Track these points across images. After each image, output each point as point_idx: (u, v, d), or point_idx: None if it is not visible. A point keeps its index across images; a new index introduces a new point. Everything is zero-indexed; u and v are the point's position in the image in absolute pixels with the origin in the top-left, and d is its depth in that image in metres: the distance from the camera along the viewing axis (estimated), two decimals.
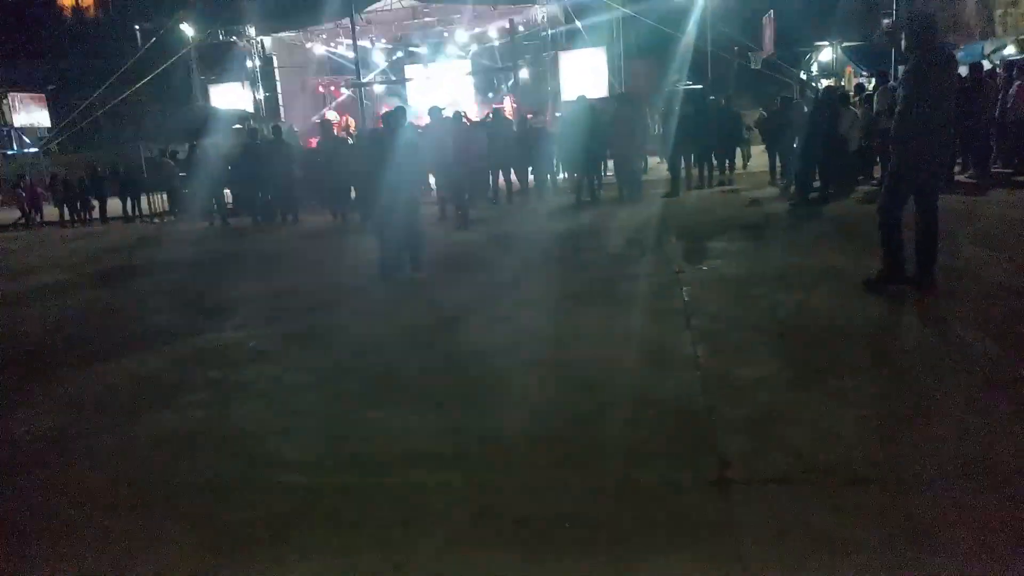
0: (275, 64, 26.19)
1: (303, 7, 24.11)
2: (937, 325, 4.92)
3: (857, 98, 13.03)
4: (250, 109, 24.68)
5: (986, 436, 3.29)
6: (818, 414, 3.66)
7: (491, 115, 15.88)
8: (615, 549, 2.74)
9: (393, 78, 27.46)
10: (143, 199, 18.70)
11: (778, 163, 13.62)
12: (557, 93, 22.61)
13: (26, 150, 31.01)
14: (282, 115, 25.28)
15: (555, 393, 4.30)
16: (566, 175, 15.81)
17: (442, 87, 24.64)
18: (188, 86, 27.89)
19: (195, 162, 15.76)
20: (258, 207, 15.12)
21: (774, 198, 11.86)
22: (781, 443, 3.39)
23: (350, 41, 22.88)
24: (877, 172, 12.33)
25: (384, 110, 14.87)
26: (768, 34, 28.02)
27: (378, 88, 27.11)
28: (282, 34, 26.24)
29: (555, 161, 15.46)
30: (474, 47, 27.20)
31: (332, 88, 27.87)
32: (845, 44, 29.17)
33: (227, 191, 16.37)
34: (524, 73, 25.83)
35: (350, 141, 15.46)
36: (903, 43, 5.43)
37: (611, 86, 22.23)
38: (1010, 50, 18.81)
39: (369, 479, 3.46)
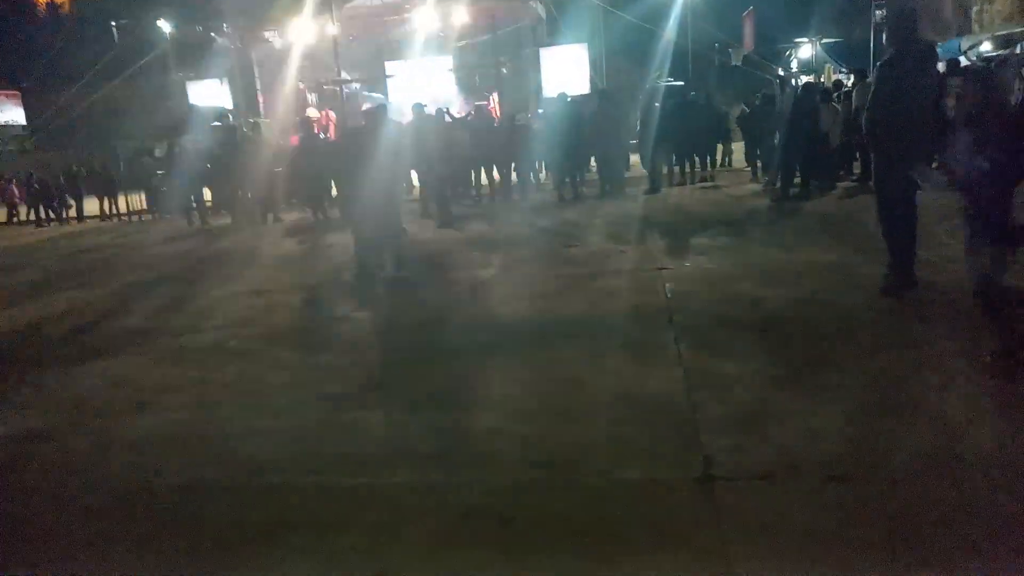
0: (254, 60, 25.94)
1: (282, 3, 23.89)
2: (919, 321, 4.95)
3: (837, 94, 13.10)
4: (229, 106, 24.44)
5: (969, 431, 3.32)
6: (801, 410, 3.67)
7: (473, 112, 15.83)
8: (600, 547, 2.73)
9: (373, 75, 27.29)
10: (120, 198, 18.45)
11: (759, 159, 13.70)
12: (539, 90, 22.57)
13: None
14: (261, 112, 25.06)
15: (538, 391, 4.29)
16: (547, 173, 15.80)
17: (423, 84, 24.51)
18: (165, 83, 27.55)
19: (173, 160, 15.58)
20: (237, 205, 14.97)
21: (756, 194, 11.92)
22: (764, 439, 3.40)
23: (330, 37, 22.73)
24: (857, 168, 12.42)
25: (365, 107, 14.78)
26: (748, 30, 28.20)
27: (358, 85, 26.94)
28: (261, 30, 26.00)
29: (538, 159, 15.43)
30: (455, 44, 27.09)
31: (312, 85, 27.66)
32: (824, 40, 29.40)
33: (206, 189, 16.20)
34: (505, 70, 25.77)
35: (322, 136, 15.33)
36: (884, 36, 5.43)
37: (593, 83, 22.24)
38: (986, 46, 19.04)
39: (352, 480, 3.43)
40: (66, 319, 7.46)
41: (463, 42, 26.34)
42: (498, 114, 19.91)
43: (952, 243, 6.71)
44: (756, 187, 12.71)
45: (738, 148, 15.48)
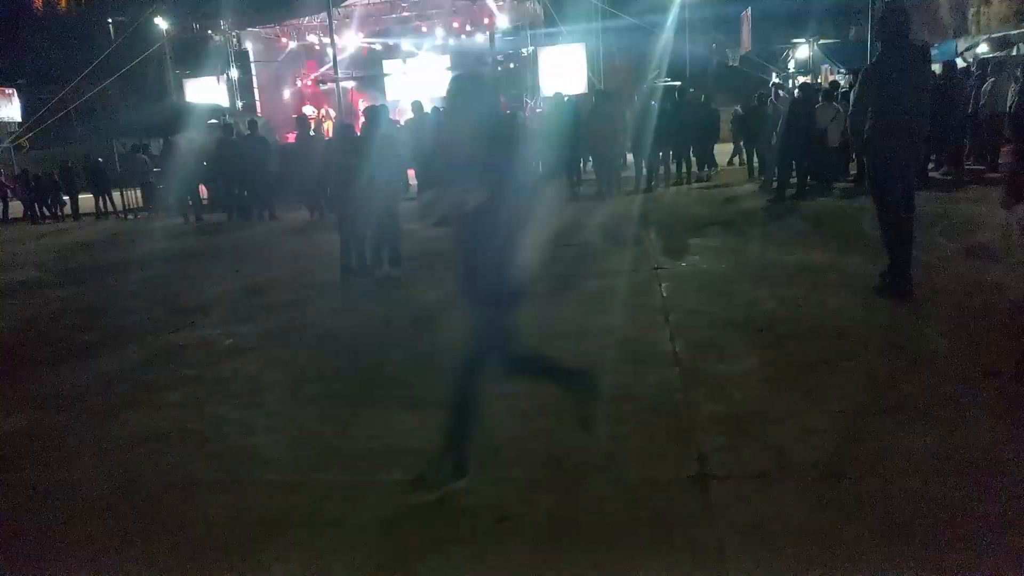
0: (251, 58, 25.89)
1: (279, 1, 23.87)
2: (913, 321, 4.97)
3: (835, 94, 13.11)
4: (225, 104, 24.37)
5: (962, 431, 3.33)
6: (796, 410, 3.68)
7: None
8: (597, 545, 2.73)
9: (371, 73, 27.28)
10: (116, 195, 18.41)
11: (755, 160, 13.72)
12: (536, 89, 22.57)
13: None
14: (258, 110, 25.01)
15: (533, 390, 4.28)
16: (543, 171, 15.78)
17: (421, 82, 24.51)
18: (162, 80, 27.48)
19: (169, 157, 15.55)
20: (233, 203, 14.96)
21: (752, 194, 11.93)
22: (759, 439, 3.41)
23: (327, 35, 22.71)
24: (854, 168, 12.44)
25: (363, 106, 14.76)
26: (745, 31, 28.22)
27: (354, 83, 26.93)
28: (258, 28, 25.97)
29: (536, 158, 15.43)
30: (452, 42, 27.09)
31: (309, 83, 27.65)
32: (821, 41, 29.42)
33: (202, 187, 16.17)
34: (503, 69, 25.78)
35: (312, 134, 15.30)
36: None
37: (590, 82, 22.24)
38: (983, 48, 19.08)
39: (349, 477, 3.43)
40: (60, 316, 7.44)
41: (460, 40, 26.34)
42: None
43: (947, 244, 6.74)
44: (752, 187, 12.73)
45: (722, 149, 15.46)
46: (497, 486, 3.22)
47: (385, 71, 26.74)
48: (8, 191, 20.61)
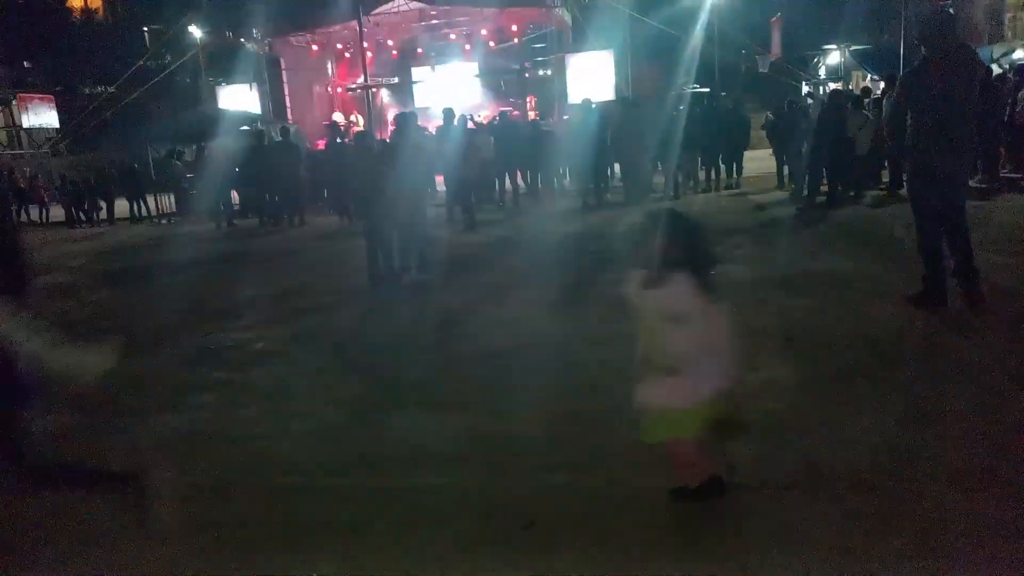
0: (282, 66, 26.20)
1: (310, 9, 24.14)
2: (946, 331, 4.88)
3: (867, 101, 12.97)
4: (257, 111, 24.71)
5: (994, 443, 3.26)
6: (826, 419, 3.64)
7: (497, 118, 15.88)
8: (621, 553, 2.72)
9: (400, 80, 27.48)
10: (150, 200, 18.74)
11: (786, 167, 13.60)
12: (564, 96, 22.57)
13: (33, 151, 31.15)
14: (289, 117, 25.32)
15: (560, 396, 4.28)
16: (570, 179, 15.80)
17: (450, 89, 24.64)
18: (195, 88, 27.98)
19: (202, 163, 15.79)
20: (265, 209, 15.14)
21: (782, 202, 11.82)
22: (788, 448, 3.37)
23: (357, 43, 22.91)
24: (885, 176, 12.28)
25: (392, 113, 14.89)
26: (775, 37, 28.02)
27: (385, 91, 27.14)
28: (289, 36, 26.30)
29: (562, 165, 15.45)
30: (481, 49, 27.20)
31: (339, 90, 27.92)
32: (853, 47, 29.10)
33: (234, 192, 16.39)
34: (532, 76, 25.82)
35: (341, 140, 15.45)
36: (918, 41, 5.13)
37: (618, 89, 22.20)
38: (1019, 54, 18.76)
39: (375, 481, 3.45)
40: (95, 319, 7.58)
41: (489, 48, 26.44)
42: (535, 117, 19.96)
43: (984, 254, 6.61)
44: (782, 195, 12.61)
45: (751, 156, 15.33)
46: (524, 492, 3.22)
47: (414, 78, 26.92)
48: (45, 196, 21.05)
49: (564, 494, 3.18)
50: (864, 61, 27.63)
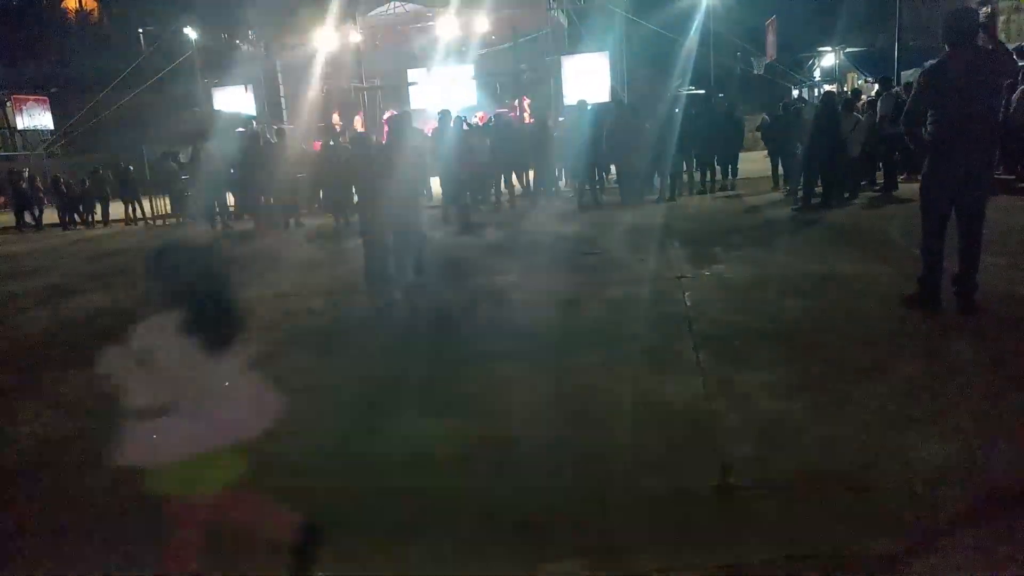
0: (278, 68, 26.22)
1: (306, 11, 24.15)
2: (940, 332, 4.91)
3: (861, 103, 13.02)
4: (253, 112, 24.70)
5: (989, 443, 3.29)
6: (821, 420, 3.66)
7: (493, 119, 15.91)
8: (619, 553, 2.74)
9: (395, 83, 27.49)
10: (145, 202, 18.72)
11: (780, 169, 13.66)
12: (559, 97, 22.62)
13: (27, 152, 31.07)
14: (285, 118, 25.33)
15: (558, 397, 4.30)
16: (567, 180, 15.84)
17: (445, 91, 24.66)
18: (191, 89, 27.92)
19: (197, 165, 15.77)
20: (260, 210, 15.13)
21: (777, 203, 11.86)
22: (784, 449, 3.39)
23: (353, 45, 22.94)
24: (880, 178, 12.34)
25: (388, 115, 14.90)
26: (771, 39, 28.11)
27: (381, 92, 27.15)
28: (285, 38, 26.31)
29: (558, 166, 15.49)
30: (477, 51, 27.23)
31: (335, 92, 27.92)
32: (848, 50, 29.20)
33: (229, 194, 16.38)
34: (527, 77, 25.86)
35: (334, 143, 15.48)
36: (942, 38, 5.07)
37: (613, 91, 22.25)
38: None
39: (374, 483, 3.46)
40: (92, 321, 7.57)
41: (485, 50, 26.47)
42: (530, 119, 19.97)
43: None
44: (777, 196, 12.66)
45: (746, 157, 15.39)
46: (520, 493, 3.23)
47: (410, 80, 26.95)
48: (45, 199, 20.99)
49: (563, 495, 3.19)
50: (858, 63, 27.73)
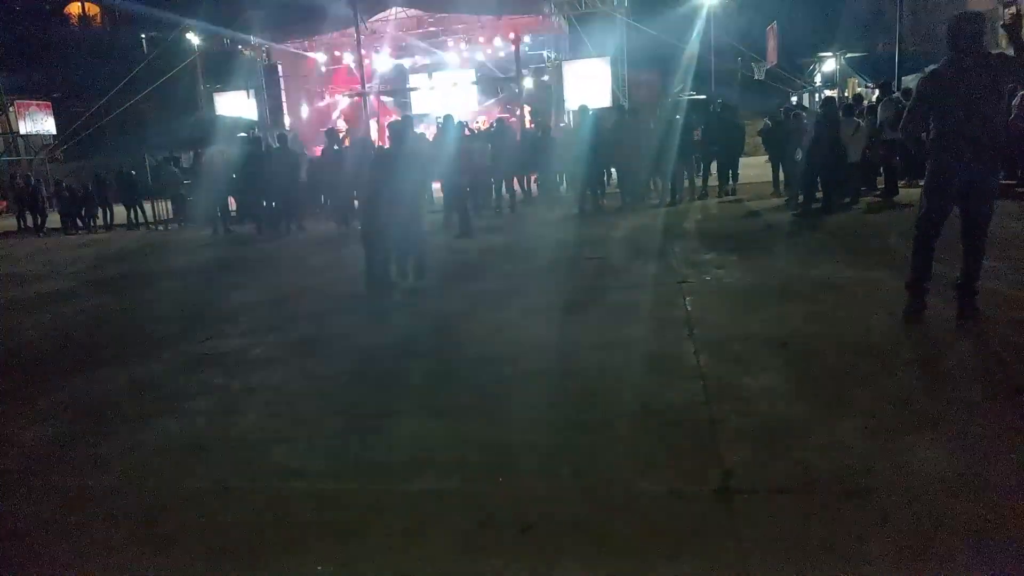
0: (280, 73, 26.27)
1: (308, 16, 24.20)
2: (939, 336, 4.92)
3: (859, 109, 13.04)
4: (254, 117, 24.75)
5: (988, 448, 3.29)
6: (820, 425, 3.66)
7: (494, 124, 15.94)
8: (619, 557, 2.74)
9: (397, 88, 27.56)
10: (147, 206, 18.77)
11: (781, 174, 13.67)
12: (561, 103, 22.66)
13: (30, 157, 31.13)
14: (286, 124, 25.36)
15: (558, 401, 4.31)
16: (568, 185, 15.87)
17: (447, 96, 24.73)
18: (193, 94, 27.99)
19: (199, 170, 15.81)
20: (262, 215, 15.17)
21: (777, 209, 11.88)
22: (784, 453, 3.40)
23: (355, 50, 22.97)
24: (880, 183, 12.34)
25: (389, 120, 14.92)
26: (771, 45, 28.16)
27: (383, 98, 27.22)
28: (287, 43, 26.37)
29: (559, 171, 15.53)
30: (478, 57, 27.30)
31: (337, 97, 27.99)
32: (848, 55, 29.24)
33: (231, 199, 16.42)
34: (528, 83, 25.92)
35: (338, 148, 15.50)
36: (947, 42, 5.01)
37: (615, 96, 22.29)
38: None
39: (373, 487, 3.47)
40: (93, 325, 7.59)
41: (486, 55, 26.54)
42: (531, 124, 20.01)
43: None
44: (778, 201, 12.67)
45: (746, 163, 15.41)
46: (521, 496, 3.24)
47: (411, 85, 27.02)
48: (49, 204, 21.04)
49: (562, 497, 3.20)
50: (859, 68, 27.75)
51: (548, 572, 2.70)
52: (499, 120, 16.99)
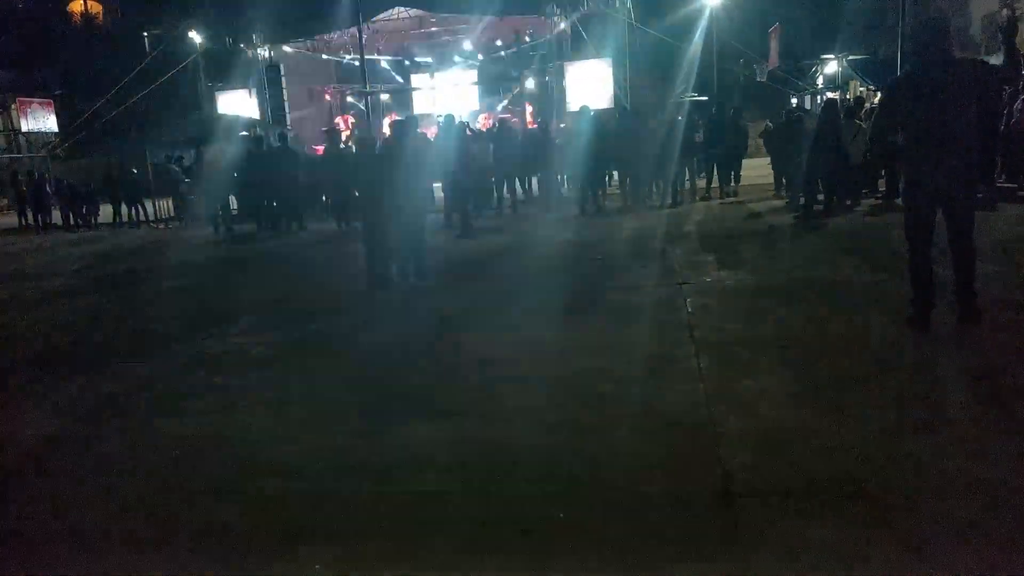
0: (282, 72, 26.29)
1: (310, 16, 24.23)
2: (940, 340, 4.91)
3: (861, 111, 13.04)
4: (256, 116, 24.76)
5: (989, 452, 3.28)
6: (821, 428, 3.66)
7: (496, 125, 15.94)
8: (620, 560, 2.74)
9: (399, 88, 27.58)
10: (149, 205, 18.78)
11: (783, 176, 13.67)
12: (562, 104, 22.66)
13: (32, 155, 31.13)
14: (288, 123, 25.39)
15: (559, 404, 4.30)
16: (569, 186, 15.86)
17: (448, 96, 24.75)
18: (195, 93, 28.01)
19: (201, 168, 15.82)
20: (263, 214, 15.17)
21: (779, 210, 11.87)
22: (784, 456, 3.39)
23: (357, 49, 23.00)
24: (882, 185, 12.34)
25: (390, 119, 14.94)
26: (774, 47, 28.13)
27: (384, 97, 27.24)
28: (289, 42, 26.39)
29: (560, 172, 15.51)
30: (480, 57, 27.32)
31: (338, 96, 28.02)
32: (851, 57, 29.20)
33: (232, 198, 16.43)
34: (530, 83, 25.93)
35: (342, 146, 15.51)
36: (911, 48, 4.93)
37: (616, 98, 22.28)
38: None
39: (373, 488, 3.46)
40: (93, 323, 7.59)
41: (487, 56, 26.55)
42: (532, 124, 20.01)
43: (982, 265, 6.63)
44: (779, 203, 12.66)
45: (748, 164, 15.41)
46: (522, 499, 3.24)
47: (413, 85, 27.03)
48: (53, 202, 21.04)
49: (562, 500, 3.19)
50: (861, 71, 27.71)
51: (547, 574, 2.70)
52: (501, 120, 17.00)
